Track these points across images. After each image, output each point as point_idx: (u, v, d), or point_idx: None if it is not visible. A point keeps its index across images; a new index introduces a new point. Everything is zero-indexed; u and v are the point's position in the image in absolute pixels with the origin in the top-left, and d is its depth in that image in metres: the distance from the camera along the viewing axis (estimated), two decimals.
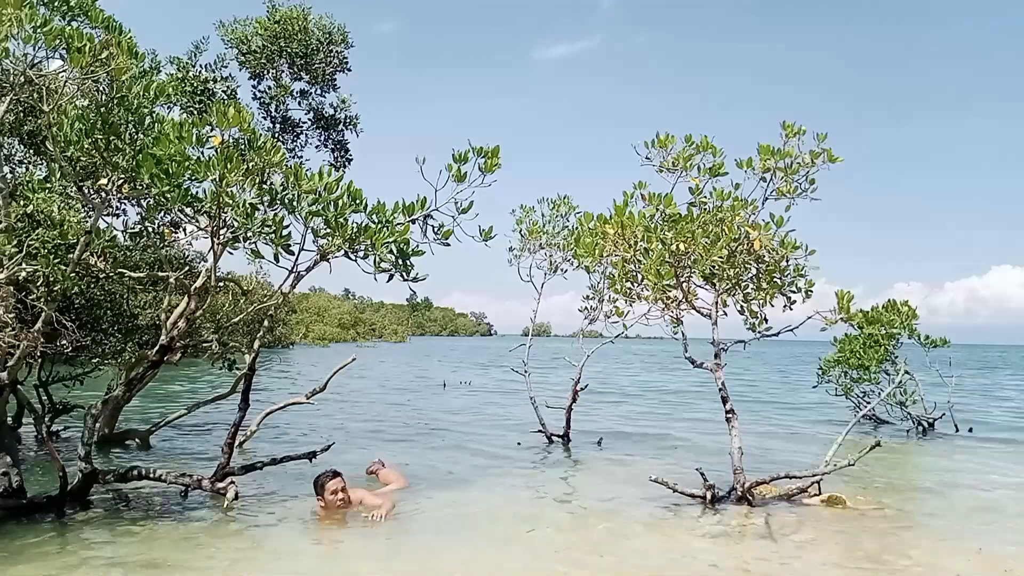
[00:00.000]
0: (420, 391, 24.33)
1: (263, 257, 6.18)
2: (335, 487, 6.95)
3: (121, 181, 6.39)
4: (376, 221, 6.02)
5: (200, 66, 11.76)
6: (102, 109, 6.07)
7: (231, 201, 5.92)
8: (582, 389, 12.66)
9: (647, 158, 8.14)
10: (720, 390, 8.12)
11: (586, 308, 12.16)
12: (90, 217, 6.97)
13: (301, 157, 13.14)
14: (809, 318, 8.01)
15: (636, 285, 8.41)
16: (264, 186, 6.06)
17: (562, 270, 12.68)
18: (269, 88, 12.79)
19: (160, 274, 8.52)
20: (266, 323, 7.60)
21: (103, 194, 6.74)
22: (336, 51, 12.82)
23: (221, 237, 6.30)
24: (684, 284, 8.16)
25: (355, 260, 6.14)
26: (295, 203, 5.96)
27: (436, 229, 6.24)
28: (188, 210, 6.12)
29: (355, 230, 5.95)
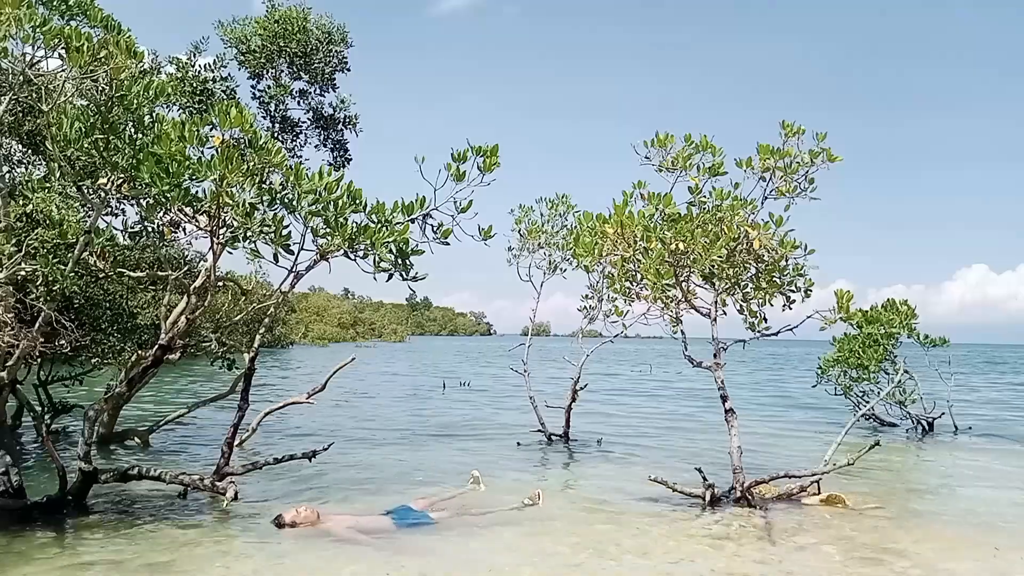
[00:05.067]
0: (419, 391, 24.33)
1: (262, 257, 6.18)
2: (292, 518, 6.71)
3: (120, 180, 6.39)
4: (375, 221, 6.02)
5: (200, 66, 11.76)
6: (101, 109, 6.06)
7: (231, 201, 5.91)
8: (581, 388, 12.66)
9: (646, 157, 8.14)
10: (719, 389, 8.12)
11: (585, 307, 12.17)
12: (89, 216, 6.97)
13: (300, 157, 13.15)
14: (809, 317, 8.02)
15: (635, 284, 8.41)
16: (264, 186, 6.06)
17: (561, 269, 12.68)
18: (268, 88, 12.79)
19: (160, 273, 8.52)
20: (265, 322, 7.58)
21: (102, 193, 6.74)
22: (335, 51, 12.82)
23: (221, 237, 6.29)
24: (683, 283, 8.16)
25: (354, 260, 6.13)
26: (295, 203, 5.96)
27: (435, 228, 6.24)
28: (188, 209, 6.12)
29: (355, 230, 5.94)
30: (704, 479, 7.87)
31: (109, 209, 8.97)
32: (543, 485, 8.64)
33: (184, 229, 7.73)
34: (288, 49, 12.42)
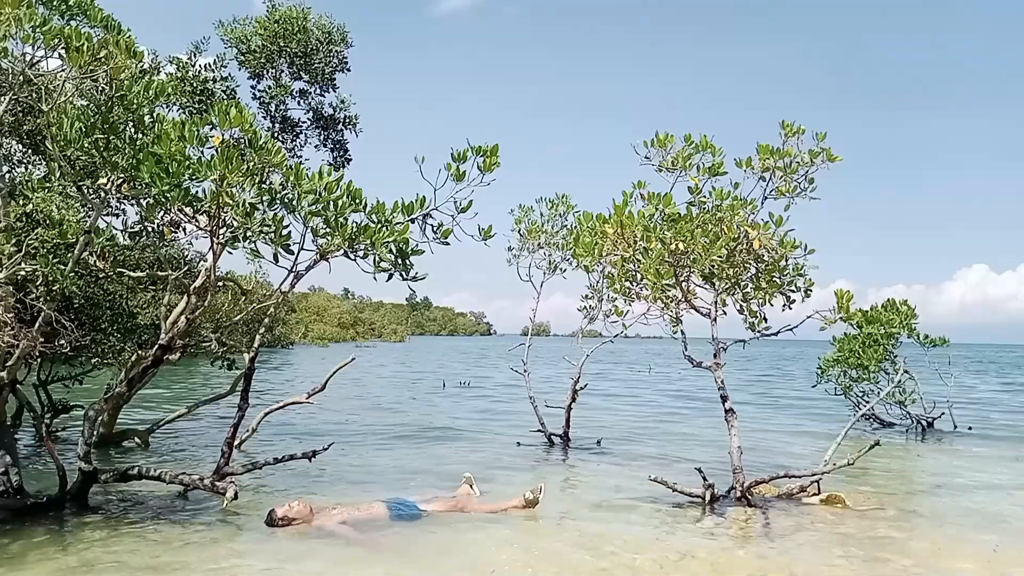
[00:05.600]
0: (419, 391, 24.33)
1: (262, 257, 6.18)
2: (284, 512, 6.69)
3: (120, 180, 6.38)
4: (375, 221, 6.02)
5: (200, 66, 11.76)
6: (101, 108, 6.06)
7: (231, 201, 5.91)
8: (581, 389, 12.66)
9: (646, 157, 8.14)
10: (719, 389, 8.12)
11: (585, 308, 12.17)
12: (89, 216, 6.97)
13: (300, 157, 13.14)
14: (809, 317, 8.02)
15: (635, 284, 8.41)
16: (264, 186, 6.06)
17: (561, 269, 12.68)
18: (268, 88, 12.78)
19: (160, 273, 8.52)
20: (265, 322, 7.58)
21: (102, 193, 6.74)
22: (335, 51, 12.81)
23: (221, 237, 6.29)
24: (683, 283, 8.16)
25: (354, 260, 6.13)
26: (295, 203, 5.96)
27: (435, 228, 6.23)
28: (188, 209, 6.11)
29: (355, 230, 5.94)
30: (704, 479, 7.87)
31: (109, 209, 8.96)
32: (543, 485, 8.64)
33: (184, 229, 7.73)
34: (288, 49, 12.42)
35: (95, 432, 8.73)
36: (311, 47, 12.53)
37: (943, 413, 15.10)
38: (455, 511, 7.34)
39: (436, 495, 7.86)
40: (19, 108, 7.44)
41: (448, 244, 6.25)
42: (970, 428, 15.50)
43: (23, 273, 6.29)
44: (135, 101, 6.13)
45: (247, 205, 5.92)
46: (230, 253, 6.54)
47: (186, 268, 9.98)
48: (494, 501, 7.73)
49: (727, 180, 7.94)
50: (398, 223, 6.02)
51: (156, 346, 7.04)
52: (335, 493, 8.23)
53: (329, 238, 6.03)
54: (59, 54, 5.89)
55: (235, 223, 6.02)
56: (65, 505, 6.89)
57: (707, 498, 7.85)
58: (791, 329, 8.12)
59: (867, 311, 12.94)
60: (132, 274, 8.06)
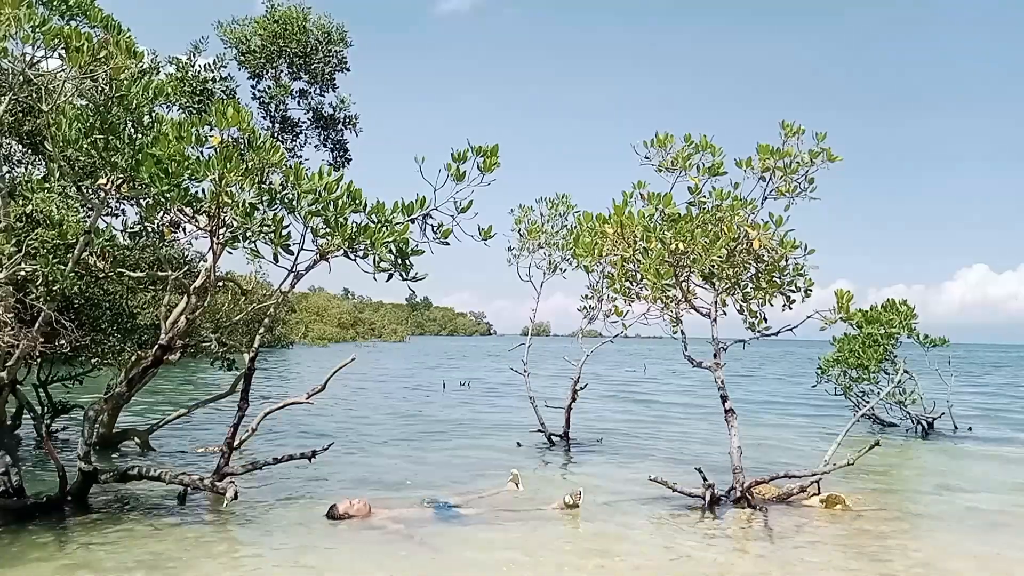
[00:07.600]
0: (419, 391, 24.32)
1: (262, 257, 6.18)
2: (345, 509, 7.12)
3: (120, 181, 6.39)
4: (375, 221, 6.02)
5: (199, 66, 11.76)
6: (101, 109, 6.06)
7: (230, 201, 5.91)
8: (581, 388, 12.66)
9: (646, 157, 8.14)
10: (719, 389, 8.12)
11: (585, 308, 12.16)
12: (89, 216, 6.98)
13: (300, 157, 13.15)
14: (809, 317, 8.01)
15: (635, 284, 8.41)
16: (263, 186, 6.06)
17: (561, 269, 12.68)
18: (268, 88, 12.78)
19: (160, 273, 8.52)
20: (265, 322, 7.58)
21: (102, 194, 6.74)
22: (335, 50, 12.82)
23: (220, 237, 6.29)
24: (683, 283, 8.16)
25: (354, 260, 6.13)
26: (295, 203, 5.96)
27: (435, 228, 6.23)
28: (188, 209, 6.12)
29: (354, 230, 5.94)
30: (704, 479, 7.86)
31: (109, 209, 8.97)
32: (543, 485, 8.64)
33: (184, 229, 7.73)
34: (288, 49, 12.42)
35: (95, 432, 8.73)
36: (311, 47, 12.54)
37: (943, 413, 15.09)
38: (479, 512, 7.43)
39: (476, 494, 7.95)
40: (19, 108, 7.44)
41: (448, 244, 6.26)
42: (970, 429, 15.49)
43: (23, 273, 6.30)
44: (134, 101, 6.13)
45: (247, 205, 5.92)
46: (230, 253, 6.56)
47: (186, 268, 9.97)
48: (521, 507, 7.75)
49: (727, 180, 7.95)
50: (398, 223, 6.02)
51: (156, 346, 7.04)
52: (336, 493, 8.23)
53: (329, 238, 6.04)
54: (59, 54, 5.89)
55: (235, 223, 6.02)
56: (65, 505, 6.89)
57: (707, 498, 7.84)
58: (791, 329, 8.12)
59: (867, 311, 12.93)
60: (132, 274, 8.05)
